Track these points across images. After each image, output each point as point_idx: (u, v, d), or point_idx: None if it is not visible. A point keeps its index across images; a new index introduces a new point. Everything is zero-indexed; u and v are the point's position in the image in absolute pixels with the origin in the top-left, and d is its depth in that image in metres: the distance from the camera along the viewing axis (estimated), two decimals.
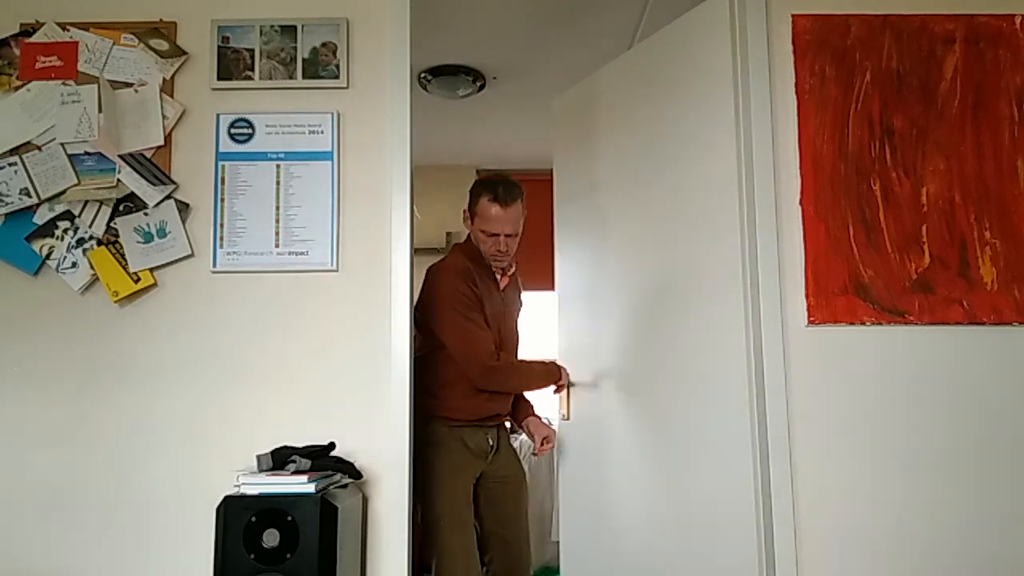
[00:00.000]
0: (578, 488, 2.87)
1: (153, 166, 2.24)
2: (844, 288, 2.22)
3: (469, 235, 2.70)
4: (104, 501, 2.16)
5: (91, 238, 2.22)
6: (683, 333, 2.35)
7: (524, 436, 3.07)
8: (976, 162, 2.27)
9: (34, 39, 2.28)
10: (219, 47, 2.30)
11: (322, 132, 2.27)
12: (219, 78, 2.28)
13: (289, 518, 1.80)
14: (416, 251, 2.68)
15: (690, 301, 2.34)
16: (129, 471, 2.17)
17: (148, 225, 2.23)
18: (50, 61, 2.27)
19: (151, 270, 2.22)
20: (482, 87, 4.01)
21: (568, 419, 2.87)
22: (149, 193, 2.23)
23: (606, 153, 2.74)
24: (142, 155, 2.25)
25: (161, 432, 2.18)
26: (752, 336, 2.21)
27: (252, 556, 1.78)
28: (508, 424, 2.79)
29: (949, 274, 2.23)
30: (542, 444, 2.74)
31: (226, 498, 1.82)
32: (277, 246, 2.23)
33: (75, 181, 2.22)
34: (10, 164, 2.22)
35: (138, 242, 2.22)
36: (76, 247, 2.21)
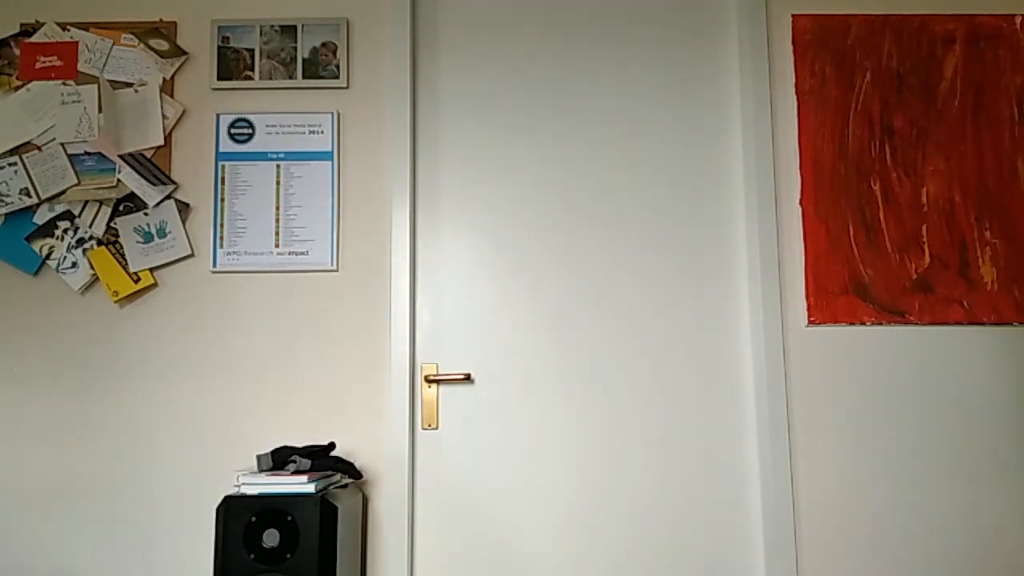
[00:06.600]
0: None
1: (153, 166, 2.24)
2: (844, 288, 2.23)
3: None
4: (104, 501, 2.16)
5: (91, 238, 2.22)
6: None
7: None
8: (976, 162, 2.27)
9: (34, 39, 2.28)
10: (219, 47, 2.30)
11: (322, 132, 2.27)
12: (219, 78, 2.29)
13: (289, 518, 1.80)
14: None
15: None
16: (129, 471, 2.17)
17: (148, 225, 2.23)
18: (50, 61, 2.28)
19: (151, 270, 2.22)
20: None
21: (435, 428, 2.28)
22: (149, 193, 2.23)
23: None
24: (142, 155, 2.25)
25: (161, 432, 2.18)
26: (752, 336, 2.23)
27: (252, 556, 1.79)
28: None
29: (949, 274, 2.23)
30: None
31: (226, 498, 1.82)
32: (277, 246, 2.24)
33: (75, 181, 2.22)
34: (10, 164, 2.22)
35: (138, 242, 2.22)
36: (76, 247, 2.21)
